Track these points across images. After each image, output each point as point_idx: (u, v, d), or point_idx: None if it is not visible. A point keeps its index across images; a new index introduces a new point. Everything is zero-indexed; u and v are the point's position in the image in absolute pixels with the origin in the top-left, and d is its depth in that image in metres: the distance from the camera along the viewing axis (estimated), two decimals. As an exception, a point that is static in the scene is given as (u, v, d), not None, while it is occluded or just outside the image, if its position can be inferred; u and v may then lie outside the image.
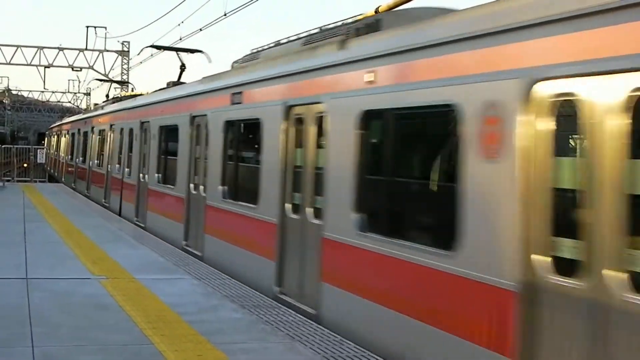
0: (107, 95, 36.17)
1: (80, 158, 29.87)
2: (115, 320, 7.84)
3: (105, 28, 45.07)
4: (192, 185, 13.55)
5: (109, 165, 22.59)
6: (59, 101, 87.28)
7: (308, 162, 8.99)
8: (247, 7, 20.30)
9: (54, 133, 45.49)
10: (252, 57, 11.85)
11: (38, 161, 38.52)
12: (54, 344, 6.84)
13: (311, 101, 8.89)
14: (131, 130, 19.38)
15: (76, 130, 32.04)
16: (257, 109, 10.50)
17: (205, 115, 12.87)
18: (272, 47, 11.25)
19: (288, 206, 9.41)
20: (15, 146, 39.78)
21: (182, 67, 19.90)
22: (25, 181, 35.09)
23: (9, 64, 44.01)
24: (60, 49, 44.59)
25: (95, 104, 35.06)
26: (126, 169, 19.68)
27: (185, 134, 14.06)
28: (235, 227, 11.10)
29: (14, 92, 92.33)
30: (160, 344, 6.95)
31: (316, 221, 8.63)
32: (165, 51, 22.93)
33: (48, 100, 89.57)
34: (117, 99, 27.26)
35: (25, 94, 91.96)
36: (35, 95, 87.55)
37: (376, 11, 8.83)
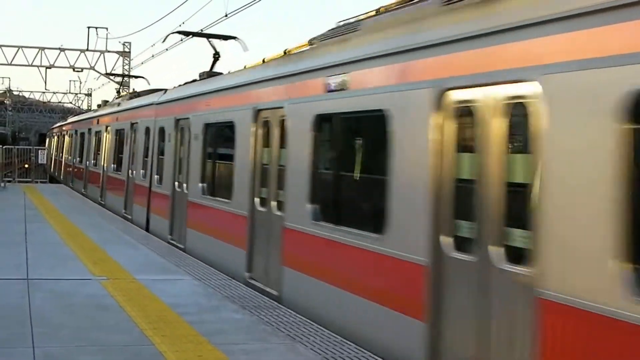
0: (118, 91, 35.02)
1: (92, 161, 26.81)
2: (115, 320, 7.84)
3: (107, 29, 45.02)
4: (257, 200, 10.65)
5: (131, 171, 19.39)
6: (60, 102, 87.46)
7: (488, 175, 5.96)
8: (248, 7, 19.55)
9: (59, 133, 43.80)
10: (348, 29, 8.95)
11: (39, 162, 38.60)
12: (55, 344, 6.84)
13: (498, 80, 5.82)
14: (162, 130, 16.43)
15: (86, 129, 29.04)
16: (378, 97, 7.50)
17: (281, 107, 9.88)
18: (374, 15, 8.62)
19: (446, 240, 6.41)
20: (17, 147, 39.88)
21: (216, 56, 17.06)
22: (26, 182, 35.11)
23: (10, 64, 44.00)
24: (62, 49, 44.60)
25: (105, 101, 33.48)
26: (155, 176, 16.70)
27: (245, 133, 11.06)
28: (339, 262, 8.08)
29: (15, 93, 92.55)
30: (161, 345, 6.94)
31: (512, 267, 5.66)
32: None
33: (49, 101, 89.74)
34: (135, 94, 24.69)
35: (26, 94, 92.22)
36: (37, 96, 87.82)
37: (377, 11, 8.68)
